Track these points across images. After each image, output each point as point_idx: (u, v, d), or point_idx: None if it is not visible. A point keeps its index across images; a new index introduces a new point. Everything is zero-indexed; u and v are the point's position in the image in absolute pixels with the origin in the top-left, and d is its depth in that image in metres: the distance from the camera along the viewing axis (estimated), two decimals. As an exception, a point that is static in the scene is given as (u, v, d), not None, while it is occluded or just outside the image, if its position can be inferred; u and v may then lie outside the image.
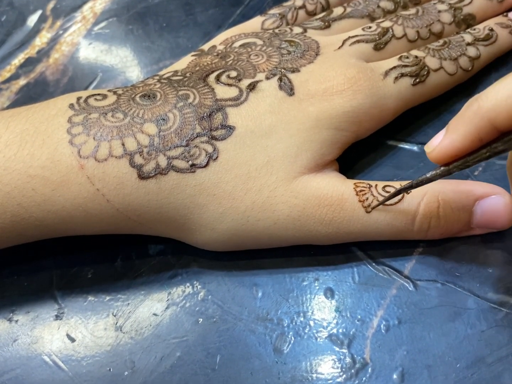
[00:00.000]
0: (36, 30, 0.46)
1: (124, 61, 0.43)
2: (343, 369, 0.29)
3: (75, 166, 0.29)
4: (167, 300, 0.32)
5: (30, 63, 0.44)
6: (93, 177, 0.29)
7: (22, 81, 0.43)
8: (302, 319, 0.30)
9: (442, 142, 0.25)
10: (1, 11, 0.47)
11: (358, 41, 0.35)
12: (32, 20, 0.46)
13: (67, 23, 0.46)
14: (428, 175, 0.27)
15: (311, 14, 0.39)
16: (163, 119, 0.30)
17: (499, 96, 0.23)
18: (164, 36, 0.44)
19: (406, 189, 0.28)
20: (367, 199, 0.30)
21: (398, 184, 0.30)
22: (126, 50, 0.44)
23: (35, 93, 0.42)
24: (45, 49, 0.45)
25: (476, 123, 0.24)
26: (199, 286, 0.32)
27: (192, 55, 0.36)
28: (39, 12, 0.47)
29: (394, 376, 0.28)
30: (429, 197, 0.30)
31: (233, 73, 0.33)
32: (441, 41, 0.36)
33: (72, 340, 0.31)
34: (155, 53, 0.44)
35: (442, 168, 0.26)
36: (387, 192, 0.30)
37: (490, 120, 0.23)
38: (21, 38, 0.45)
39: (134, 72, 0.43)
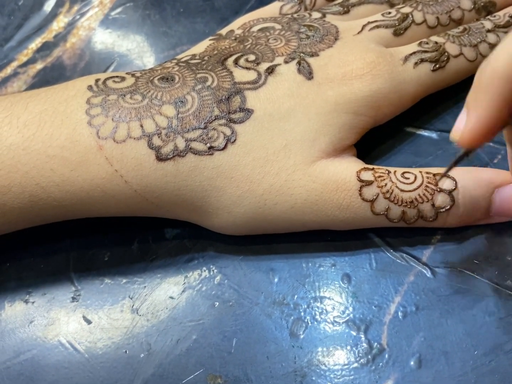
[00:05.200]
0: (53, 15, 0.46)
1: (141, 46, 0.43)
2: (360, 355, 0.29)
3: (94, 147, 0.29)
4: (184, 283, 0.32)
5: (47, 47, 0.44)
6: (111, 158, 0.29)
7: (39, 65, 0.43)
8: (318, 304, 0.30)
9: (468, 123, 0.23)
10: (19, -5, 0.48)
11: (377, 26, 0.34)
12: (49, 4, 0.46)
13: (84, 7, 0.46)
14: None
15: (330, -1, 0.39)
16: (182, 101, 0.30)
17: (511, 50, 0.21)
18: (181, 21, 0.44)
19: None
20: (385, 185, 0.29)
21: (417, 171, 0.30)
22: (143, 35, 0.44)
23: (52, 77, 0.42)
24: (62, 34, 0.45)
25: (496, 87, 0.21)
26: (215, 270, 0.32)
27: (210, 39, 0.36)
28: (56, -3, 0.47)
29: (411, 362, 0.28)
30: (449, 184, 0.30)
31: (252, 57, 0.32)
32: (461, 28, 0.35)
33: (89, 322, 0.31)
34: (172, 38, 0.43)
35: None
36: (406, 178, 0.30)
37: (509, 78, 0.21)
38: (38, 22, 0.46)
39: (150, 57, 0.43)
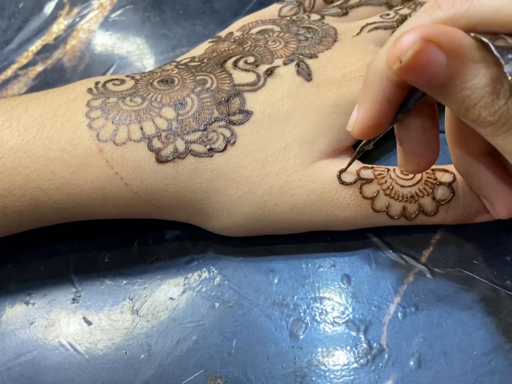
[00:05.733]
0: (53, 17, 0.46)
1: (140, 48, 0.44)
2: (359, 355, 0.29)
3: (94, 150, 0.29)
4: (184, 284, 0.32)
5: (47, 49, 0.44)
6: (111, 161, 0.29)
7: (39, 67, 0.43)
8: (318, 304, 0.30)
9: (358, 116, 0.24)
10: (19, -2, 0.48)
11: (376, 28, 0.35)
12: (49, 7, 0.47)
13: (84, 10, 0.46)
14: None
15: (329, 1, 0.39)
16: (181, 103, 0.30)
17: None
18: (180, 23, 0.44)
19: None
20: (385, 182, 0.30)
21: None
22: (143, 37, 0.44)
23: (52, 79, 0.42)
24: (62, 36, 0.45)
25: (377, 85, 0.22)
26: (215, 271, 0.32)
27: (209, 42, 0.36)
28: (56, -1, 0.47)
29: (411, 362, 0.28)
30: (447, 177, 0.30)
31: (251, 59, 0.33)
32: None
33: (89, 323, 0.32)
34: (172, 40, 0.44)
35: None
36: (406, 174, 0.30)
37: (389, 78, 0.22)
38: (38, 25, 0.46)
39: (150, 59, 0.43)
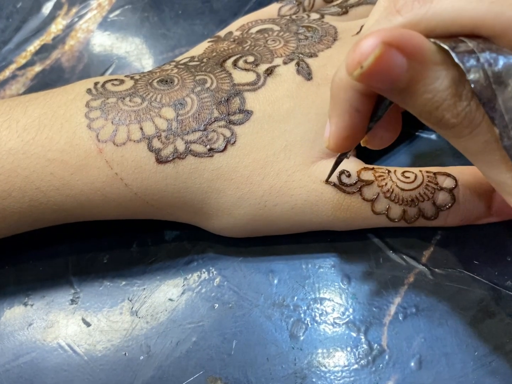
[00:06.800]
0: (51, 17, 0.46)
1: (139, 48, 0.43)
2: (360, 356, 0.29)
3: (94, 150, 0.29)
4: (183, 285, 0.32)
5: (45, 49, 0.44)
6: (111, 161, 0.29)
7: (37, 68, 0.43)
8: (318, 305, 0.30)
9: (331, 130, 0.24)
10: (17, -2, 0.48)
11: (376, 27, 0.34)
12: (48, 7, 0.46)
13: (82, 10, 0.46)
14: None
15: (328, 0, 0.39)
16: (181, 103, 0.30)
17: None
18: (179, 23, 0.44)
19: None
20: (386, 184, 0.29)
21: (417, 170, 0.30)
22: (142, 37, 0.44)
23: (50, 79, 0.42)
24: (60, 36, 0.45)
25: (344, 96, 0.22)
26: (215, 272, 0.32)
27: (209, 41, 0.36)
28: (54, -1, 0.47)
29: (412, 364, 0.28)
30: (449, 182, 0.30)
31: (250, 58, 0.32)
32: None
33: (88, 324, 0.31)
34: (171, 40, 0.43)
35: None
36: (407, 177, 0.30)
37: (354, 88, 0.21)
38: (36, 25, 0.46)
39: (149, 59, 0.43)
